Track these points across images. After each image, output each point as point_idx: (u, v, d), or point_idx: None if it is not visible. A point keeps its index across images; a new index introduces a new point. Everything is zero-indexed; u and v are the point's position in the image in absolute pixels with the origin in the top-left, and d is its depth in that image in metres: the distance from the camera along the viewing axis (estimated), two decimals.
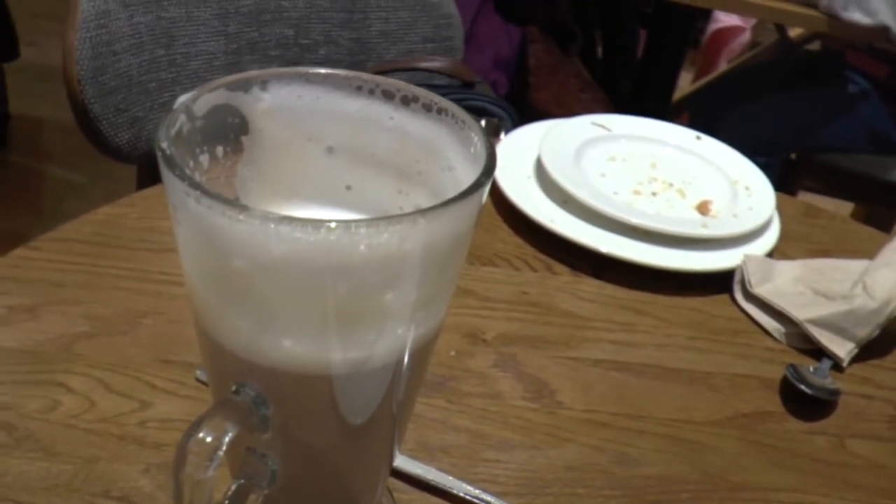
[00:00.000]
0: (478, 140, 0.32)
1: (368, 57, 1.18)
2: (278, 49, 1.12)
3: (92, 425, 0.50)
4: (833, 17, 1.66)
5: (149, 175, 1.13)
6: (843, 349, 0.65)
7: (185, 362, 0.55)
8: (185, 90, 1.04)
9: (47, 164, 2.55)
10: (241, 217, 0.26)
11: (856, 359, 0.65)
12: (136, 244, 0.66)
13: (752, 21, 3.09)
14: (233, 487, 0.34)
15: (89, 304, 0.60)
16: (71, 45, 0.93)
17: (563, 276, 0.71)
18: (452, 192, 0.29)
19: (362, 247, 0.26)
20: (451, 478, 0.49)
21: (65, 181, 2.44)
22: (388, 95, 0.35)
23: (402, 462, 0.49)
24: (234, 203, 0.26)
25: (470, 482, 0.49)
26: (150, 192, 0.74)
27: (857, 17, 1.63)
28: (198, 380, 0.54)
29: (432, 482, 0.49)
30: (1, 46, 2.44)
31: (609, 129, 0.89)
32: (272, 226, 0.25)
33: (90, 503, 0.45)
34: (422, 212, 0.27)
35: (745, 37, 3.16)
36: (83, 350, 0.56)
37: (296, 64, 1.13)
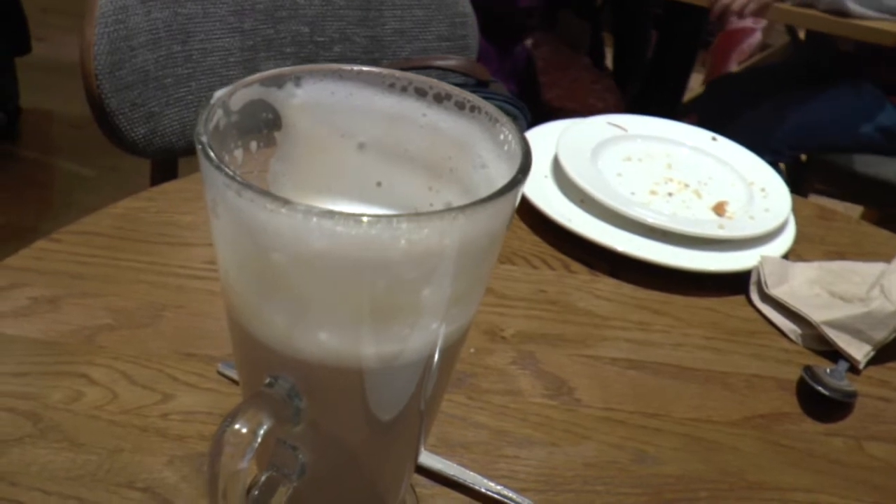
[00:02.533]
0: (512, 138, 0.33)
1: (383, 55, 1.19)
2: (293, 46, 1.12)
3: (115, 417, 0.51)
4: (839, 14, 1.67)
5: (162, 169, 1.13)
6: (859, 351, 0.65)
7: (206, 355, 0.56)
8: (200, 86, 1.04)
9: (57, 157, 2.56)
10: (283, 210, 0.26)
11: (872, 361, 0.65)
12: (156, 238, 0.67)
13: (763, 23, 3.09)
14: (262, 478, 0.35)
15: (110, 297, 0.60)
16: (88, 41, 0.94)
17: (581, 274, 0.71)
18: (484, 190, 0.30)
19: (402, 242, 0.26)
20: (471, 473, 0.49)
21: (74, 174, 2.46)
22: (420, 93, 0.35)
23: (423, 457, 0.50)
24: (277, 197, 0.26)
25: (490, 478, 0.49)
26: (168, 186, 0.74)
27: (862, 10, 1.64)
28: (220, 373, 0.55)
29: (453, 477, 0.49)
30: (13, 41, 2.45)
31: (625, 130, 0.89)
32: (314, 220, 0.26)
33: (115, 493, 0.46)
34: (461, 208, 0.27)
35: (756, 38, 3.16)
36: (105, 342, 0.56)
37: (311, 61, 1.13)
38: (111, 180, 2.36)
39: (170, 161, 1.11)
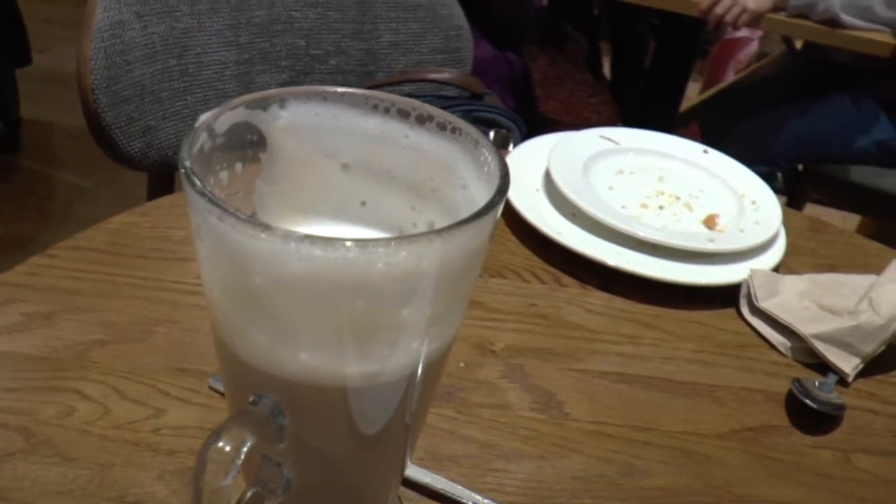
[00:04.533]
0: (491, 159, 0.33)
1: (378, 67, 1.19)
2: (289, 59, 1.13)
3: (107, 431, 0.51)
4: (831, 25, 1.68)
5: (159, 183, 1.14)
6: (848, 364, 0.65)
7: (198, 370, 0.56)
8: (196, 99, 1.05)
9: (57, 168, 2.57)
10: (263, 235, 0.26)
11: (861, 374, 0.66)
12: (150, 253, 0.67)
13: (760, 33, 3.10)
14: (248, 494, 0.35)
15: (104, 312, 0.61)
16: (85, 55, 0.95)
17: (571, 288, 0.72)
18: (466, 210, 0.30)
19: (380, 265, 0.27)
20: (459, 487, 0.50)
21: (74, 185, 2.47)
22: (403, 114, 0.36)
23: (411, 471, 0.50)
24: (257, 222, 0.27)
25: (478, 491, 0.50)
26: (163, 201, 0.75)
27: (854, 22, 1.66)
28: (211, 388, 0.55)
29: (441, 491, 0.50)
30: (13, 52, 2.46)
31: (617, 143, 0.90)
32: (293, 244, 0.26)
33: None
34: (438, 231, 0.27)
35: (753, 48, 3.18)
36: (98, 357, 0.57)
37: (306, 74, 1.14)
38: (111, 192, 2.37)
39: (166, 174, 1.12)
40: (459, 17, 1.24)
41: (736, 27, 1.77)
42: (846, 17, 1.66)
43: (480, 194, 0.34)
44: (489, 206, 0.29)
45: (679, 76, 2.62)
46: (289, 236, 0.26)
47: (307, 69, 1.15)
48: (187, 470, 0.49)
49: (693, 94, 3.04)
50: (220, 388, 0.55)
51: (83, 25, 0.95)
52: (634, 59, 2.76)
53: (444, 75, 1.12)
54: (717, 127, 2.13)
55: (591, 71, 2.38)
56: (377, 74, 1.19)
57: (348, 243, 0.26)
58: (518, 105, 1.99)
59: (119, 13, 0.96)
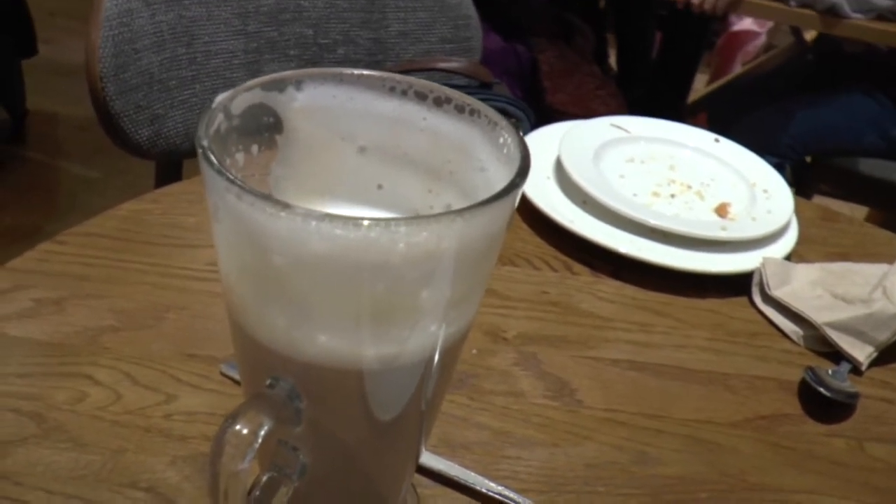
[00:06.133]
0: (511, 141, 0.33)
1: (387, 57, 1.19)
2: (297, 48, 1.13)
3: (118, 417, 0.51)
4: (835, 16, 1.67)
5: (167, 171, 1.14)
6: (861, 353, 0.65)
7: (209, 356, 0.56)
8: (204, 88, 1.05)
9: (63, 159, 2.57)
10: (282, 214, 0.26)
11: (875, 362, 0.66)
12: (160, 239, 0.67)
13: (768, 25, 3.09)
14: (264, 479, 0.35)
15: (114, 298, 0.60)
16: (94, 43, 0.94)
17: (583, 276, 0.72)
18: (484, 193, 0.30)
19: (401, 245, 0.27)
20: (473, 474, 0.50)
21: (80, 176, 2.47)
22: (421, 96, 0.36)
23: (425, 458, 0.50)
24: (276, 200, 0.26)
25: (492, 478, 0.50)
26: (173, 188, 0.75)
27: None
28: (222, 374, 0.55)
29: (455, 478, 0.49)
30: (19, 44, 2.46)
31: (628, 131, 0.89)
32: (313, 223, 0.26)
33: (118, 493, 0.46)
34: (459, 211, 0.27)
35: (760, 40, 3.16)
36: (109, 343, 0.57)
37: (315, 63, 1.14)
38: (117, 182, 2.37)
39: (174, 163, 1.12)
40: (468, 6, 1.23)
41: (715, 14, 1.74)
42: (849, 10, 1.64)
43: (499, 177, 0.33)
44: (511, 187, 0.29)
45: (686, 68, 2.61)
46: (309, 215, 0.26)
47: (315, 58, 1.14)
48: (199, 455, 0.49)
49: (700, 85, 3.02)
50: (232, 374, 0.55)
51: (91, 14, 0.95)
52: (641, 51, 2.74)
53: (453, 64, 1.11)
54: (724, 118, 2.12)
55: (598, 63, 2.36)
56: (385, 64, 1.19)
57: (369, 223, 0.26)
58: (526, 97, 1.98)
59: (127, 1, 0.95)
